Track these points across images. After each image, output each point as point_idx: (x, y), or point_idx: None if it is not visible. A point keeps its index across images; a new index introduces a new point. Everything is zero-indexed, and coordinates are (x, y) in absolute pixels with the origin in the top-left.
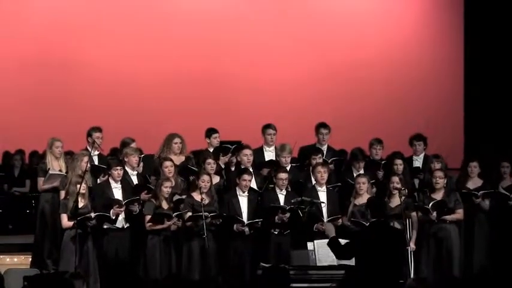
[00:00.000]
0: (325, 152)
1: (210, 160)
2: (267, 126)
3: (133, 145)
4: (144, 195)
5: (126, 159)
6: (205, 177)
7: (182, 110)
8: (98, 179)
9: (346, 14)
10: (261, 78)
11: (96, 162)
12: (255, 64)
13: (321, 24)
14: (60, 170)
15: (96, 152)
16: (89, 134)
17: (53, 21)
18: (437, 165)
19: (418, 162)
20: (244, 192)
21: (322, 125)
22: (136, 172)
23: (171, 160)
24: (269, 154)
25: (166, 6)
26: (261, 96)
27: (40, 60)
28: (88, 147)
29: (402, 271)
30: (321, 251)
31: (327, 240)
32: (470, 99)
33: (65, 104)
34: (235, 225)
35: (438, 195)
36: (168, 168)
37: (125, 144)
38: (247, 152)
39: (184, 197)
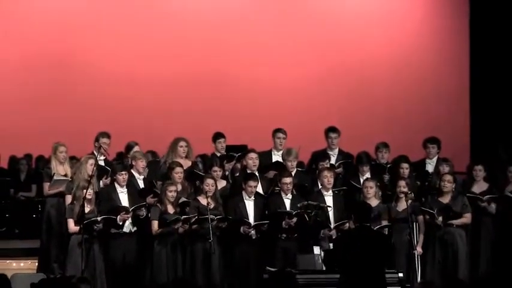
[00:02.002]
0: (336, 156)
1: (216, 168)
2: (278, 131)
3: (136, 148)
4: (150, 199)
5: (133, 163)
6: (209, 181)
7: (187, 110)
8: (101, 181)
9: (352, 14)
10: (266, 78)
11: None
12: (260, 65)
13: (327, 25)
14: (65, 175)
15: (102, 157)
16: (97, 139)
17: (60, 23)
18: (446, 169)
19: (431, 165)
20: (250, 197)
21: (331, 129)
22: (142, 176)
23: (181, 166)
24: (277, 158)
25: (171, 6)
26: (266, 97)
27: (46, 62)
28: (94, 152)
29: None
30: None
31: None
32: (476, 101)
33: (73, 107)
34: (242, 227)
35: (445, 199)
36: (179, 174)
37: (129, 147)
38: (253, 155)
39: (190, 200)
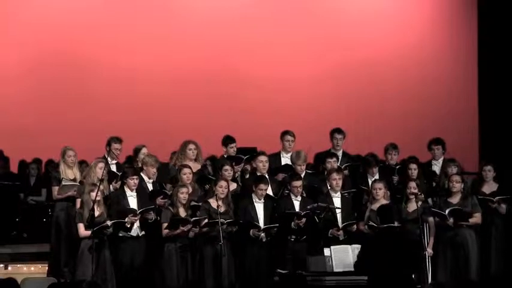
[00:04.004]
0: (340, 158)
1: (227, 167)
2: (286, 133)
3: (144, 150)
4: (160, 201)
5: (144, 168)
6: (223, 183)
7: (195, 109)
8: (111, 185)
9: (360, 13)
10: (274, 77)
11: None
12: (269, 63)
13: (336, 24)
14: (74, 179)
15: (114, 161)
16: (108, 144)
17: (70, 22)
18: (454, 170)
19: (437, 166)
20: (260, 199)
21: (337, 130)
22: (152, 180)
23: (190, 167)
24: (286, 160)
25: (182, 4)
26: (274, 95)
27: (54, 65)
28: (106, 156)
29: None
30: (338, 257)
31: (343, 246)
32: (485, 100)
33: (81, 110)
34: (251, 231)
35: (455, 200)
36: (187, 175)
37: (137, 151)
38: (263, 158)
39: (200, 204)
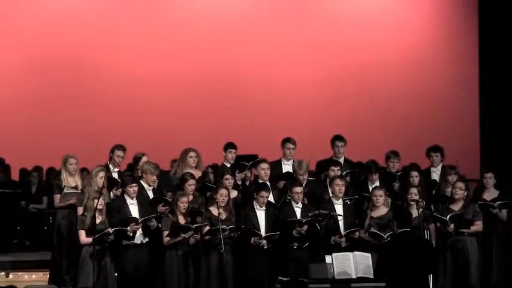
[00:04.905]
0: (342, 165)
1: (228, 176)
2: (287, 140)
3: (144, 158)
4: (161, 208)
5: (144, 176)
6: (223, 191)
7: (196, 111)
8: (111, 192)
9: (360, 15)
10: (277, 79)
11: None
12: (272, 66)
13: (334, 26)
14: (75, 187)
15: (116, 169)
16: (112, 151)
17: (70, 28)
18: (454, 177)
19: (436, 173)
20: (261, 207)
21: (338, 138)
22: (152, 187)
23: (194, 178)
24: (287, 168)
25: (181, 7)
26: (273, 98)
27: (55, 69)
28: (108, 163)
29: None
30: (339, 264)
31: (344, 253)
32: (485, 105)
33: (82, 115)
34: (252, 239)
35: (456, 207)
36: (192, 187)
37: (137, 159)
38: (265, 166)
39: (201, 209)
